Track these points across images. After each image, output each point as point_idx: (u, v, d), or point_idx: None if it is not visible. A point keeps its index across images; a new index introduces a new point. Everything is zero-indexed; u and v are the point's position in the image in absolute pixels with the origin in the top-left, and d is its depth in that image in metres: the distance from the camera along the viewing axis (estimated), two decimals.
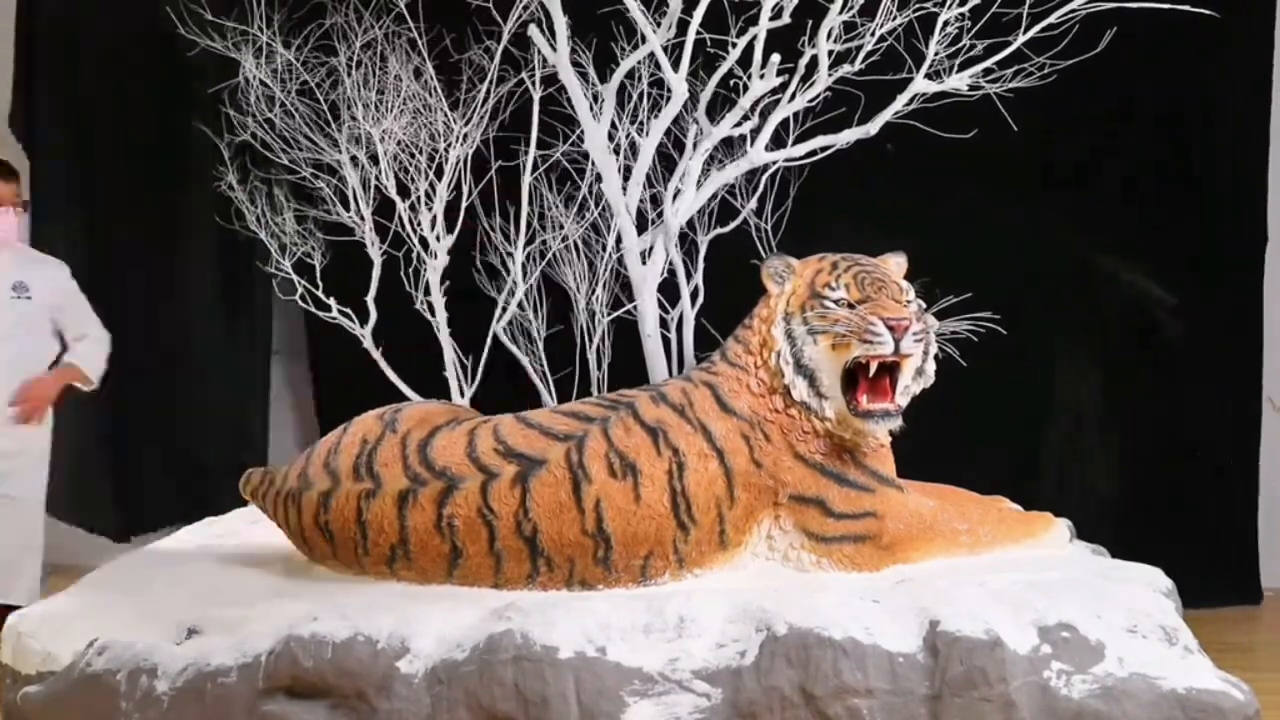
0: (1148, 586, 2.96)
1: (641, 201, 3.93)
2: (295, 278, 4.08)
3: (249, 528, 3.96)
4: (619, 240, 3.86)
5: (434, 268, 3.94)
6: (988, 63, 3.74)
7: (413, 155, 3.95)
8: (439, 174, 3.93)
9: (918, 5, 3.78)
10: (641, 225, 3.92)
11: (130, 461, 5.55)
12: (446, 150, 3.92)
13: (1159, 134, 4.75)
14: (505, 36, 3.88)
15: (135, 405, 5.43)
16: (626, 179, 3.84)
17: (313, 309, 4.07)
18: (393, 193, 3.90)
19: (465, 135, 3.93)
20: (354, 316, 4.06)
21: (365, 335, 4.05)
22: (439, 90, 4.03)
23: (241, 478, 3.57)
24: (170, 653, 2.91)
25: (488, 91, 3.96)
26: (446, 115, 3.97)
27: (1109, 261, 4.75)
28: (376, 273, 4.04)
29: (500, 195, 4.01)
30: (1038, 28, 3.71)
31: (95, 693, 2.89)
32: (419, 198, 3.90)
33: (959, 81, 3.77)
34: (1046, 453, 4.42)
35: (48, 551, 5.61)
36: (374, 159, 3.97)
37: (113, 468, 5.59)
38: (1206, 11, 3.71)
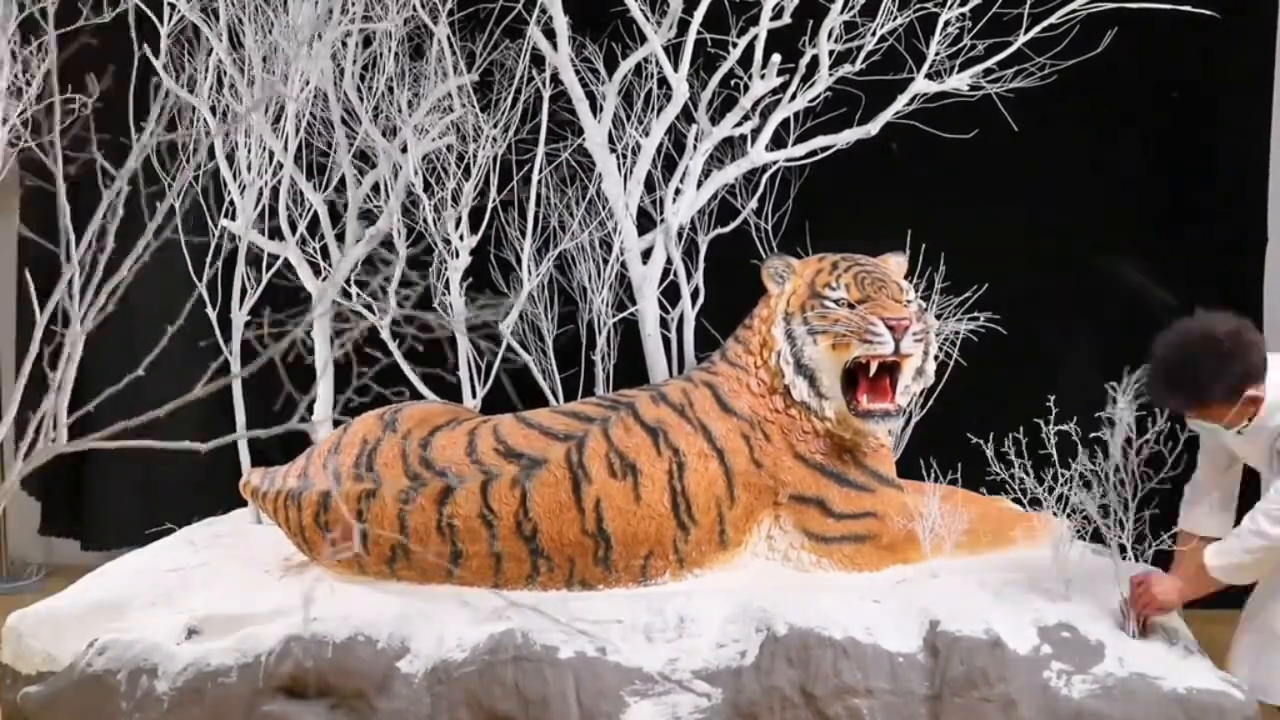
0: None
1: (642, 201, 3.93)
2: (322, 264, 4.08)
3: (250, 527, 3.96)
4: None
5: (455, 268, 3.94)
6: (988, 63, 3.73)
7: (440, 155, 3.95)
8: (466, 174, 3.93)
9: (918, 5, 3.77)
10: (644, 225, 3.92)
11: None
12: (475, 152, 3.93)
13: (1158, 134, 4.75)
14: (528, 43, 3.88)
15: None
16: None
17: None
18: (419, 189, 3.90)
19: (494, 138, 3.94)
20: (374, 306, 4.07)
21: (384, 326, 4.05)
22: (470, 92, 4.03)
23: (242, 478, 3.58)
24: (170, 653, 2.91)
25: (516, 93, 3.96)
26: (478, 116, 3.98)
27: (1108, 261, 4.74)
28: (400, 264, 4.04)
29: (518, 194, 4.02)
30: (1038, 28, 3.70)
31: (95, 693, 2.90)
32: (443, 198, 3.90)
33: (959, 81, 3.77)
34: (1045, 452, 4.42)
35: (48, 551, 5.64)
36: (403, 150, 3.98)
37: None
38: (1206, 12, 3.71)
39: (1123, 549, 2.89)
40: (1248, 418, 2.81)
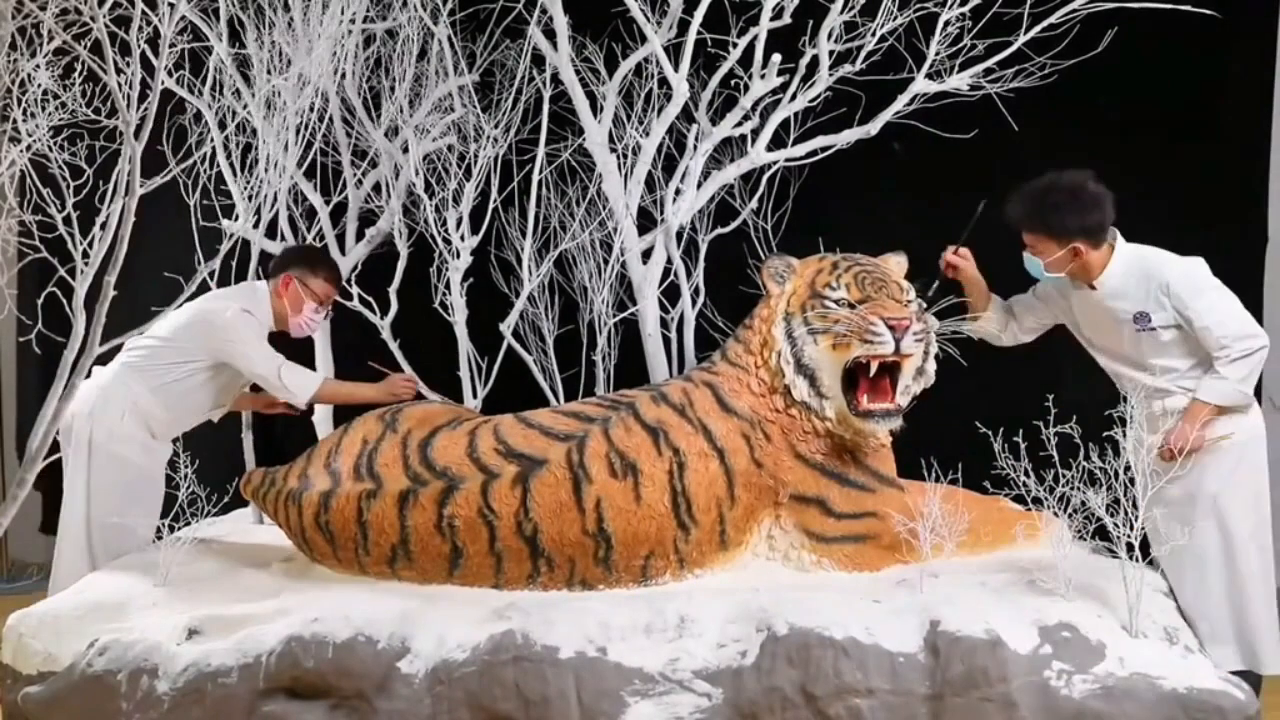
0: (1148, 586, 2.96)
1: (642, 201, 3.94)
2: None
3: (250, 527, 3.96)
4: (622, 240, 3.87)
5: (456, 267, 3.95)
6: (988, 63, 3.74)
7: (441, 155, 3.97)
8: (468, 174, 3.94)
9: (918, 5, 3.78)
10: (645, 225, 3.93)
11: None
12: (476, 152, 3.94)
13: (1160, 135, 4.75)
14: (528, 43, 3.89)
15: None
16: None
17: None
18: (420, 190, 3.90)
19: (495, 138, 3.94)
20: (375, 307, 4.07)
21: (384, 326, 4.06)
22: (471, 92, 4.04)
23: (243, 477, 3.58)
24: (171, 653, 2.91)
25: (517, 93, 3.97)
26: (478, 117, 3.98)
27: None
28: (402, 264, 4.05)
29: (519, 194, 4.03)
30: (1038, 28, 3.71)
31: (96, 693, 2.89)
32: (444, 198, 3.90)
33: (959, 81, 3.77)
34: (1044, 452, 4.42)
35: (48, 551, 5.63)
36: (404, 150, 3.99)
37: None
38: (1207, 12, 3.71)
39: (1130, 548, 2.89)
40: (1068, 273, 3.39)
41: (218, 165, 4.00)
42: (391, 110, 4.10)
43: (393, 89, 4.08)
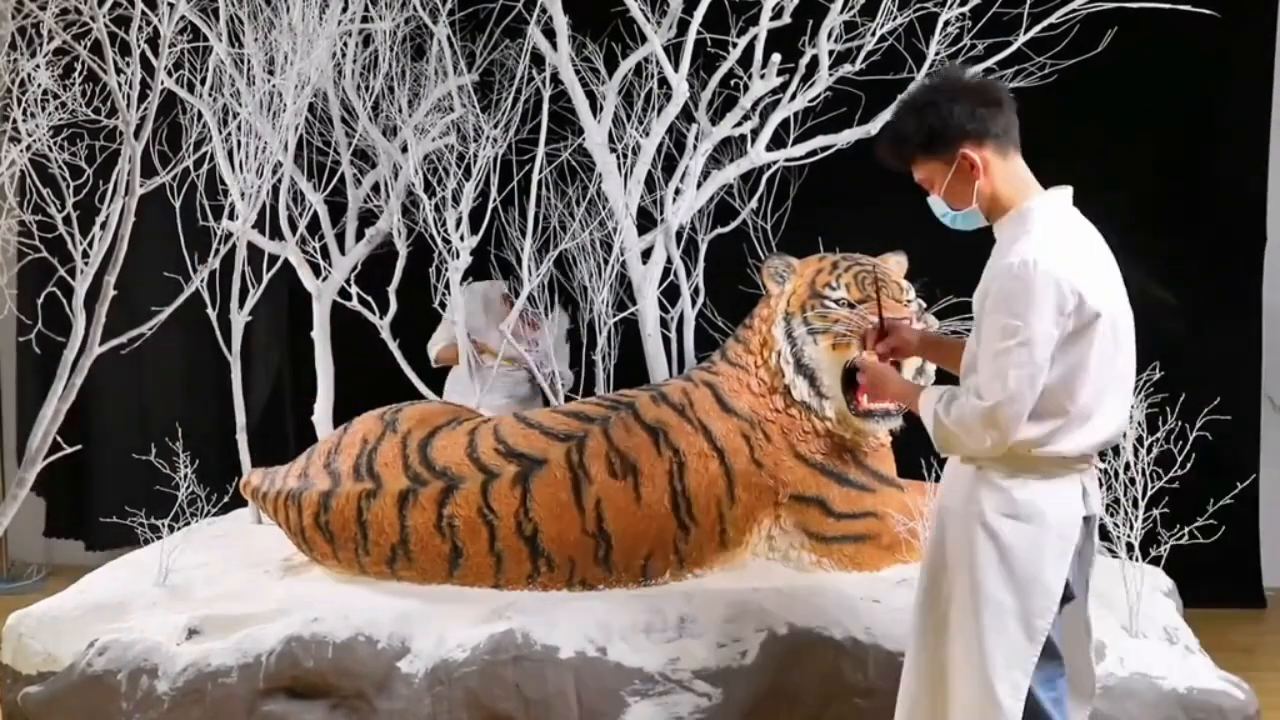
0: (1149, 587, 2.96)
1: (642, 201, 3.94)
2: (322, 264, 4.08)
3: (249, 528, 3.96)
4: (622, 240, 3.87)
5: (455, 267, 3.95)
6: (988, 62, 3.74)
7: (440, 155, 3.96)
8: (467, 174, 3.93)
9: (918, 5, 3.78)
10: (644, 225, 3.93)
11: None
12: (476, 152, 3.93)
13: (1160, 136, 4.75)
14: (528, 43, 3.89)
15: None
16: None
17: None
18: (420, 189, 3.90)
19: (494, 138, 3.94)
20: (374, 306, 4.07)
21: (384, 326, 4.06)
22: (471, 92, 4.04)
23: (243, 477, 3.58)
24: (170, 653, 2.91)
25: (517, 93, 3.97)
26: (478, 116, 3.98)
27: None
28: (401, 264, 4.05)
29: (519, 194, 4.03)
30: (1038, 28, 3.71)
31: (95, 693, 2.90)
32: (444, 198, 3.90)
33: None
34: None
35: (48, 551, 5.64)
36: (404, 149, 3.99)
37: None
38: (1207, 11, 3.71)
39: (1130, 548, 2.90)
40: (971, 199, 2.31)
41: (215, 164, 3.99)
42: (390, 109, 4.09)
43: (391, 89, 4.07)
